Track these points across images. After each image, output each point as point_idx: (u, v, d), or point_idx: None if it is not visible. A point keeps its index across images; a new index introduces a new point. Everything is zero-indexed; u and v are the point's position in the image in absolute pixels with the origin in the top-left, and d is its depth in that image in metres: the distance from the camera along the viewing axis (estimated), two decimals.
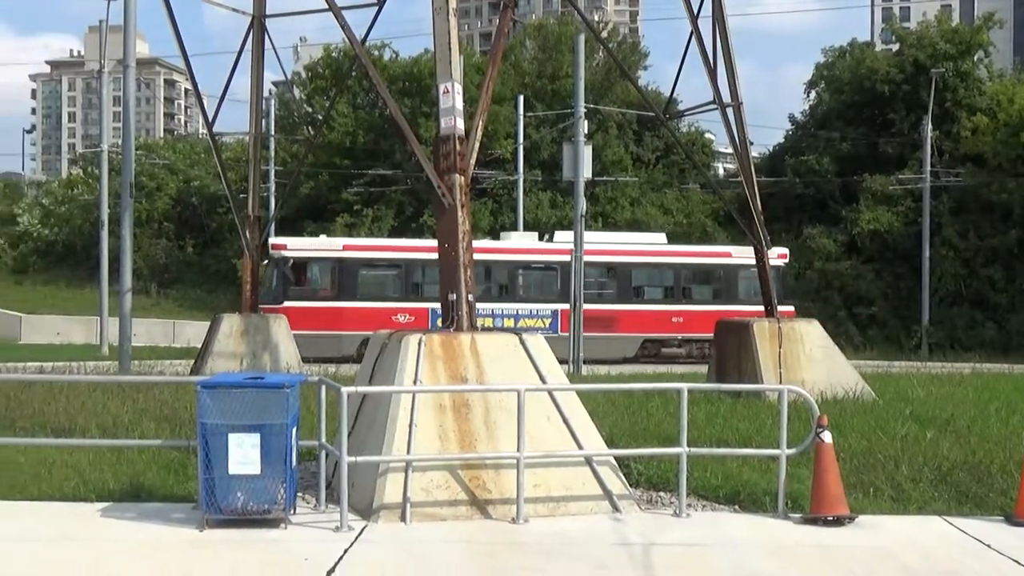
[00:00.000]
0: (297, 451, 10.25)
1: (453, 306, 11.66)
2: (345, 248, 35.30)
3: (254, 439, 9.62)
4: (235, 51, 23.97)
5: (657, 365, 32.79)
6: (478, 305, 34.70)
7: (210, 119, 25.01)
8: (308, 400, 12.43)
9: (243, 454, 9.61)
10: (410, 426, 10.43)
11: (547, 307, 35.76)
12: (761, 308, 38.26)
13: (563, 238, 37.19)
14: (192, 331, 44.61)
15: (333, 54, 63.82)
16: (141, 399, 16.64)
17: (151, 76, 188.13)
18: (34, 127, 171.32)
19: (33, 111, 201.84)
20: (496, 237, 43.02)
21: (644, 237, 40.41)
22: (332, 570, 8.50)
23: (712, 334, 29.56)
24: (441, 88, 11.97)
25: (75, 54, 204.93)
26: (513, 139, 53.00)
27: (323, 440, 10.53)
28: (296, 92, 60.94)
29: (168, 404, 16.09)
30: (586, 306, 33.92)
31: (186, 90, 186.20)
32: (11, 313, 48.60)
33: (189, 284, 61.18)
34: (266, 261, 34.09)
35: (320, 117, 54.43)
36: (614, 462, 11.08)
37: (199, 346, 24.88)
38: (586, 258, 35.52)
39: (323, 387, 10.61)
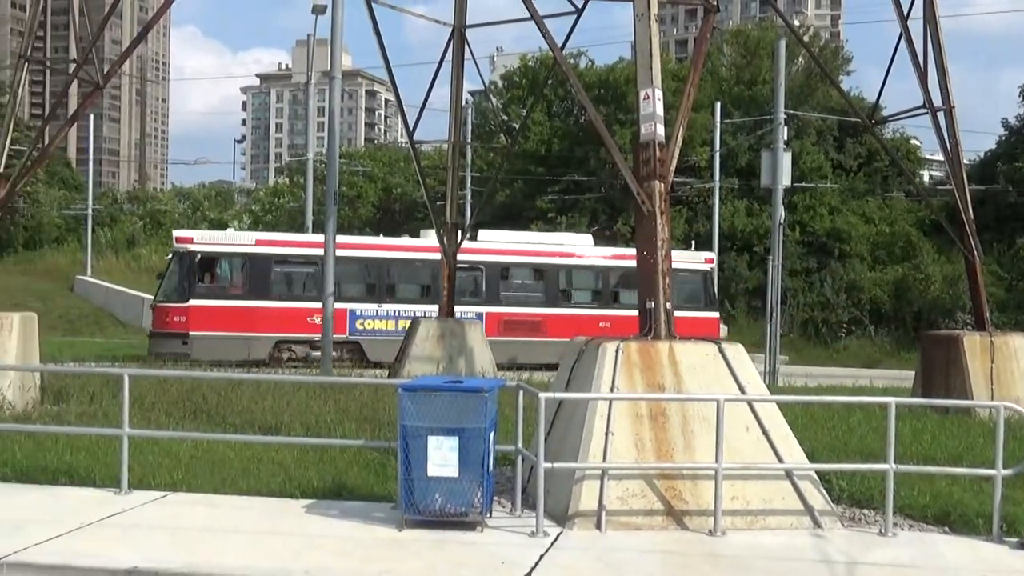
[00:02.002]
0: (494, 455, 10.33)
1: (651, 314, 11.53)
2: (258, 243, 32.99)
3: (452, 442, 9.74)
4: (432, 62, 24.75)
5: None
6: (394, 307, 33.18)
7: (411, 128, 25.61)
8: (503, 405, 12.50)
9: (442, 456, 9.74)
10: (606, 434, 10.37)
11: (472, 309, 33.39)
12: (694, 314, 35.39)
13: (488, 237, 36.04)
14: None
15: (529, 63, 64.49)
16: (342, 400, 17.11)
17: (353, 87, 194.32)
18: (244, 137, 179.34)
19: (243, 122, 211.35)
20: (686, 245, 42.07)
21: (572, 238, 38.52)
22: (528, 575, 8.52)
23: None
24: (642, 94, 11.88)
25: (283, 67, 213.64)
26: (709, 146, 52.40)
27: (520, 445, 10.57)
28: (493, 101, 61.77)
29: (368, 405, 16.49)
30: (513, 309, 33.52)
31: (386, 100, 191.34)
32: None
33: None
34: (169, 255, 33.48)
35: (516, 125, 55.03)
36: (815, 476, 10.74)
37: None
38: (513, 259, 34.87)
39: (520, 392, 10.66)
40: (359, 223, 66.08)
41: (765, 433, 10.63)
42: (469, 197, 52.73)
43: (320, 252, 32.00)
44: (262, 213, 70.66)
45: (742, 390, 10.84)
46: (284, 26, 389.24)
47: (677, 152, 12.32)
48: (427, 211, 29.40)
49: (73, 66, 18.33)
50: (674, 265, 36.04)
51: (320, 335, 30.13)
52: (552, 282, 35.14)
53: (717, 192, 49.55)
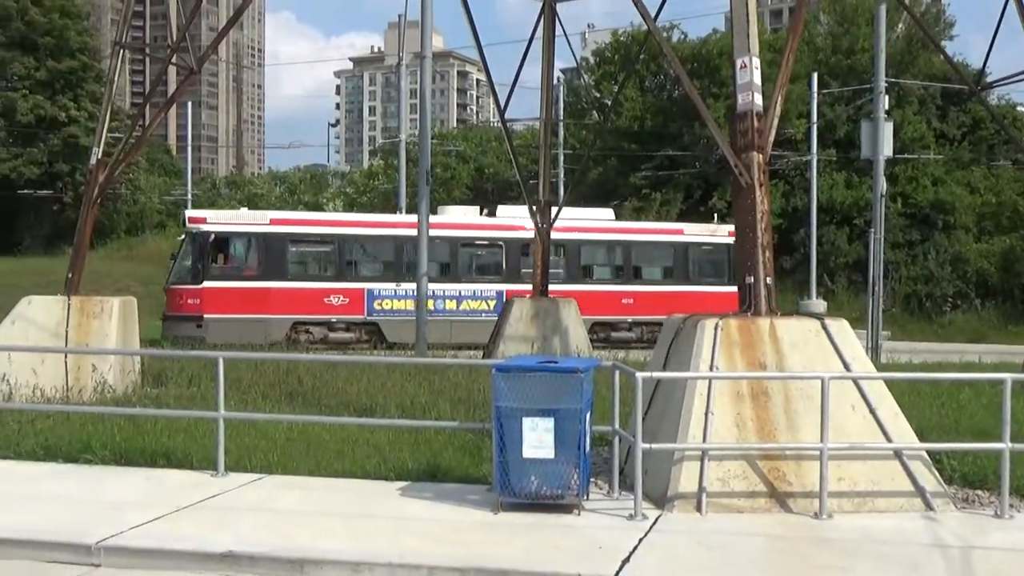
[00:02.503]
0: (591, 436, 10.10)
1: (750, 289, 11.16)
2: (272, 222, 31.77)
3: (548, 423, 9.53)
4: (523, 40, 24.28)
5: (615, 350, 30.37)
6: (412, 286, 32.08)
7: (502, 107, 25.40)
8: (600, 385, 12.23)
9: (537, 438, 9.54)
10: (706, 414, 10.06)
11: (492, 288, 32.88)
12: (715, 289, 34.55)
13: (507, 213, 35.01)
14: None
15: (621, 38, 63.78)
16: (436, 381, 17.02)
17: (445, 68, 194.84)
18: (338, 121, 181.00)
19: (337, 106, 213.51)
20: (783, 219, 40.69)
21: (589, 213, 37.08)
22: (627, 559, 8.28)
23: (664, 316, 28.70)
24: (738, 63, 11.49)
25: (376, 50, 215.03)
26: (806, 118, 51.25)
27: (616, 426, 10.33)
28: (584, 78, 61.25)
29: (462, 386, 16.37)
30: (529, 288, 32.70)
31: (478, 81, 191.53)
32: None
33: None
34: (182, 236, 32.57)
35: (608, 102, 54.57)
36: (926, 456, 10.31)
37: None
38: (532, 235, 33.56)
39: (616, 372, 10.41)
40: (452, 204, 66.06)
41: (872, 412, 10.22)
42: (562, 175, 52.38)
43: (335, 231, 32.19)
44: (356, 195, 71.21)
45: (847, 367, 10.44)
46: (376, 10, 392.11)
47: (775, 122, 11.90)
48: (520, 190, 28.89)
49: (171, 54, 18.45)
50: (697, 239, 33.94)
51: (337, 316, 30.68)
52: (573, 258, 34.19)
53: (815, 165, 48.44)
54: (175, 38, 18.12)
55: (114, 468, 11.53)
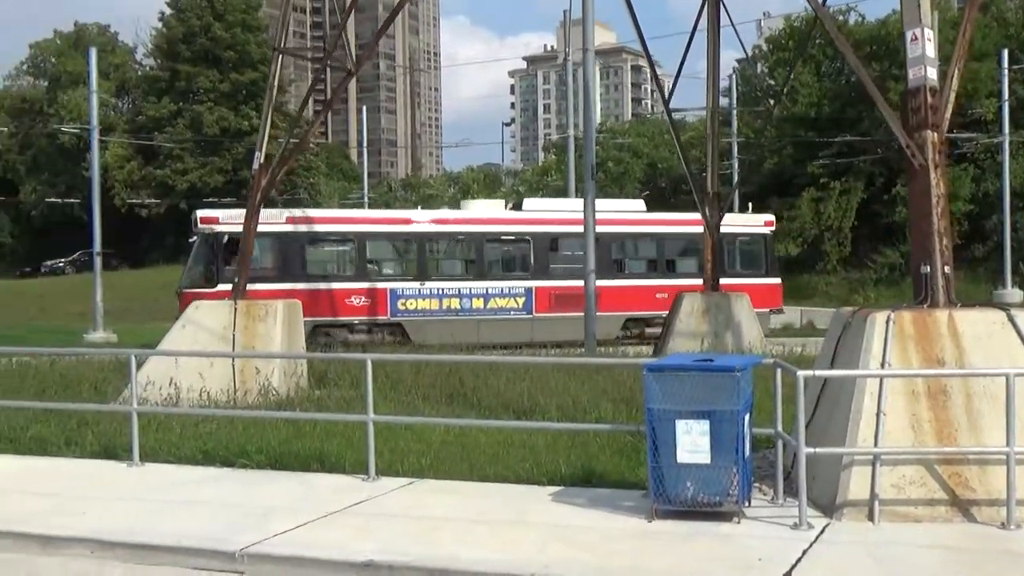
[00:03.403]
0: (751, 439, 9.48)
1: (926, 279, 10.32)
2: (289, 220, 29.80)
3: (703, 426, 8.96)
4: (700, 31, 23.60)
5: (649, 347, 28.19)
6: (437, 285, 29.71)
7: (666, 97, 24.76)
8: (768, 382, 11.55)
9: (691, 441, 8.98)
10: (877, 415, 9.30)
11: (520, 284, 30.91)
12: (752, 281, 31.70)
13: (533, 206, 33.10)
14: None
15: (795, 23, 61.95)
16: (601, 379, 16.56)
17: (618, 64, 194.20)
18: (513, 120, 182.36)
19: (512, 105, 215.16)
20: (974, 205, 38.62)
21: (621, 204, 34.99)
22: (788, 573, 7.66)
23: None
24: (908, 35, 10.65)
25: (549, 49, 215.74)
26: (996, 97, 48.64)
27: (779, 428, 9.68)
28: (758, 66, 59.73)
29: (626, 385, 15.84)
30: (561, 283, 30.29)
31: (650, 75, 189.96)
32: None
33: None
34: (193, 238, 30.78)
35: (782, 89, 52.99)
36: None
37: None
38: (561, 228, 31.21)
39: (779, 370, 9.75)
40: (624, 198, 65.47)
41: None
42: (736, 166, 51.11)
43: (355, 228, 30.26)
44: (529, 193, 71.34)
45: None
46: (549, 10, 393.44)
47: (953, 96, 10.99)
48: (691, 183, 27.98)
49: (347, 61, 18.51)
50: (731, 229, 31.97)
51: (359, 317, 29.16)
52: (604, 252, 31.81)
53: (1007, 147, 45.91)
54: (330, 42, 18.18)
55: (268, 472, 11.50)
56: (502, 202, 34.87)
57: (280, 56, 18.30)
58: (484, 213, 32.05)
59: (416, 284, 30.10)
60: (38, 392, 16.21)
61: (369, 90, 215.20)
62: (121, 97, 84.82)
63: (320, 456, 11.66)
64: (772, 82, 60.82)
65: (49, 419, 13.84)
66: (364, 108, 72.36)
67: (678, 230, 33.44)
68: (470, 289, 29.40)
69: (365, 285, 29.48)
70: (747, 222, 34.53)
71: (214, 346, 16.75)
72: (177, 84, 72.14)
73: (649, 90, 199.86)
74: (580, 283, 29.71)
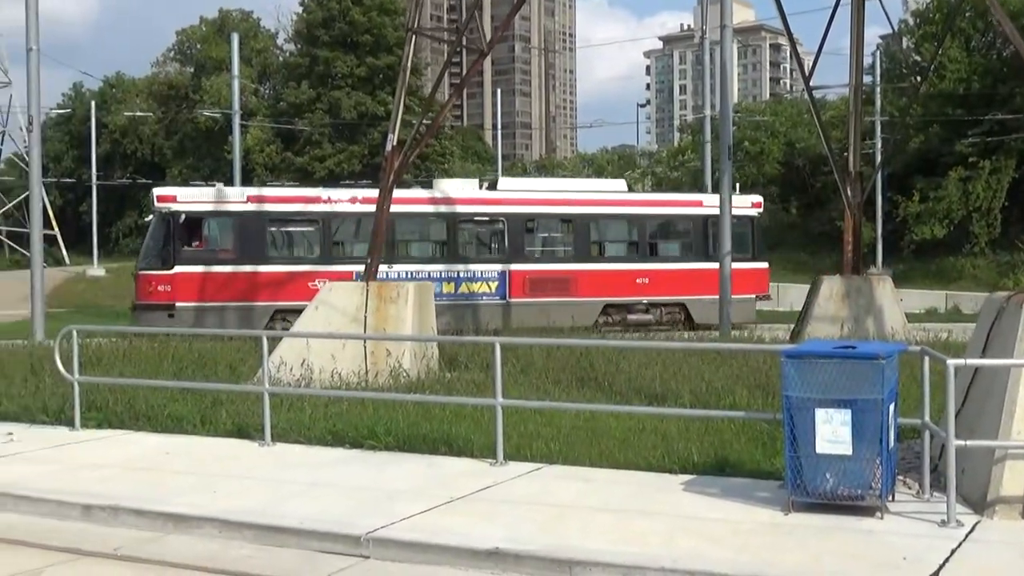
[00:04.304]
0: (896, 430, 9.00)
1: None
2: (250, 199, 28.17)
3: (844, 415, 8.53)
4: (841, 6, 22.87)
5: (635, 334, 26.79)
6: (404, 268, 27.75)
7: (807, 75, 24.03)
8: (913, 369, 10.98)
9: (832, 431, 8.56)
10: None
11: (493, 268, 29.32)
12: (739, 266, 29.48)
13: (508, 186, 31.27)
14: (795, 294, 43.94)
15: None
16: (736, 365, 16.11)
17: (756, 42, 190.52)
18: (648, 101, 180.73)
19: (647, 86, 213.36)
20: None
21: (602, 184, 33.10)
22: (935, 575, 7.21)
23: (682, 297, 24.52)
24: None
25: (685, 28, 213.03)
26: None
27: (927, 418, 9.16)
28: (904, 41, 57.71)
29: (762, 371, 15.37)
30: (537, 266, 28.96)
31: (790, 53, 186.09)
32: None
33: (792, 247, 60.58)
34: (149, 216, 29.49)
35: (928, 65, 51.15)
36: None
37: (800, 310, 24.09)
38: (538, 209, 29.68)
39: (926, 358, 9.22)
40: (763, 180, 64.32)
41: None
42: (879, 145, 49.56)
43: (319, 208, 28.59)
44: (664, 174, 70.57)
45: None
46: None
47: None
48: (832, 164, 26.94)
49: (479, 41, 18.38)
50: (717, 210, 30.38)
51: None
52: (582, 234, 30.83)
53: None
54: (463, 21, 18.04)
55: (396, 455, 11.44)
56: (476, 181, 33.01)
57: (414, 37, 18.23)
58: (456, 193, 30.32)
59: (383, 267, 28.49)
60: (176, 372, 16.55)
61: (504, 73, 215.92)
62: (263, 82, 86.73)
63: (448, 439, 11.55)
64: (918, 58, 58.76)
65: (186, 398, 14.07)
66: (499, 91, 72.57)
67: (657, 211, 32.25)
68: (440, 273, 28.12)
69: (329, 268, 27.65)
70: (735, 203, 33.27)
71: (346, 327, 16.83)
72: (316, 69, 73.29)
73: (788, 69, 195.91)
74: (558, 267, 29.88)
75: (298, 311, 27.28)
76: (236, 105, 44.46)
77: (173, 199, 27.81)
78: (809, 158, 62.96)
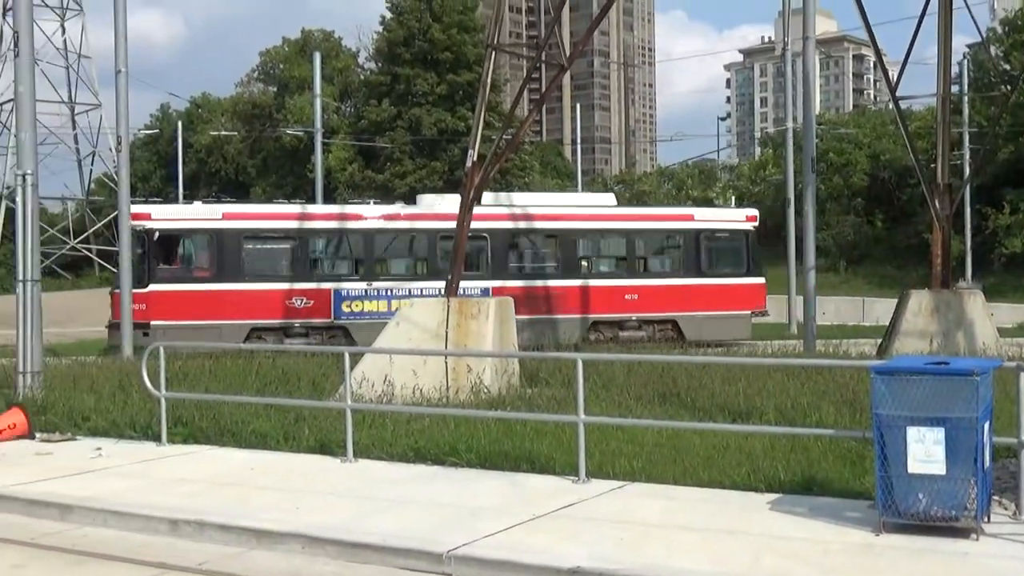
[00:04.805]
0: (991, 449, 8.73)
1: None
2: (225, 217, 27.60)
3: (937, 434, 8.29)
4: (926, 16, 22.44)
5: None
6: (386, 285, 27.45)
7: (892, 84, 23.62)
8: (1007, 386, 10.65)
9: (924, 451, 8.33)
10: None
11: (476, 284, 27.89)
12: (732, 281, 29.77)
13: (492, 201, 29.52)
14: (881, 309, 43.09)
15: None
16: (822, 381, 15.83)
17: (839, 53, 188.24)
18: (728, 114, 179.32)
19: (728, 99, 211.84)
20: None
21: (589, 198, 31.98)
22: None
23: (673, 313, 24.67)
24: None
25: (766, 40, 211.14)
26: None
27: (1022, 437, 8.88)
28: (992, 50, 56.51)
29: (849, 387, 15.08)
30: (520, 283, 27.94)
31: (874, 63, 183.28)
32: None
33: (878, 260, 59.56)
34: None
35: (1017, 74, 49.95)
36: None
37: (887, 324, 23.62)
38: (521, 225, 28.60)
39: (1021, 374, 8.94)
40: (849, 192, 63.36)
41: None
42: (967, 156, 48.54)
43: (296, 225, 28.13)
44: (746, 188, 69.90)
45: None
46: (767, 0, 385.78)
47: None
48: (918, 175, 26.33)
49: (559, 57, 18.37)
50: (710, 225, 29.70)
51: (301, 320, 27.39)
52: (568, 249, 29.97)
53: None
54: (543, 37, 18.04)
55: (478, 471, 11.40)
56: (458, 196, 32.07)
57: (493, 54, 18.28)
58: (438, 208, 29.27)
59: (363, 284, 28.41)
60: (260, 388, 16.71)
61: (583, 88, 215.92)
62: (344, 101, 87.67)
63: (530, 456, 11.48)
64: (1007, 66, 57.50)
65: (270, 414, 14.19)
66: (578, 105, 72.48)
67: (646, 225, 31.42)
68: (421, 290, 27.39)
69: (306, 285, 27.83)
70: (727, 217, 32.69)
71: (427, 343, 16.88)
72: (397, 87, 73.92)
73: (871, 79, 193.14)
74: (541, 283, 29.12)
75: (274, 329, 27.73)
76: (318, 123, 44.96)
77: (148, 217, 27.60)
78: (894, 170, 61.91)
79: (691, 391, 15.49)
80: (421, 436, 12.63)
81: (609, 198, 33.93)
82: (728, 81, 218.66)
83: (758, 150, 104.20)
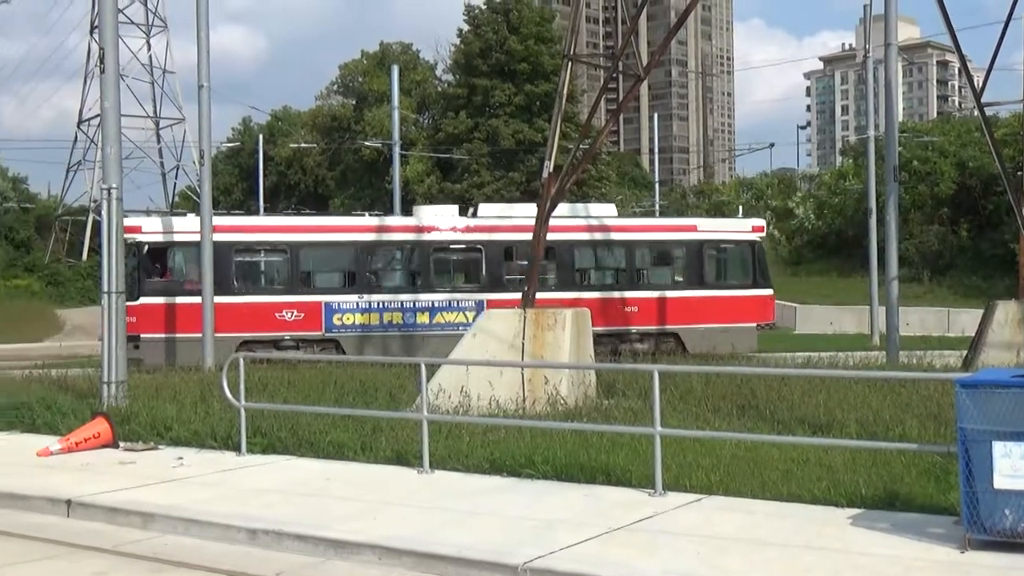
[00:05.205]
0: None
1: None
2: (216, 229, 26.91)
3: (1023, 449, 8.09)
4: (1014, 20, 22.00)
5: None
6: (378, 298, 27.27)
7: (977, 91, 23.17)
8: None
9: (1011, 466, 8.13)
10: None
11: (470, 297, 27.97)
12: (737, 293, 29.07)
13: (488, 212, 29.38)
14: (966, 319, 42.26)
15: None
16: (904, 393, 15.55)
17: (922, 60, 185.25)
18: (808, 123, 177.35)
19: (807, 108, 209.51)
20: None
21: (589, 210, 30.53)
22: None
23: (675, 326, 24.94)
24: None
25: (847, 47, 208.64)
26: None
27: None
28: None
29: (933, 400, 14.79)
30: (516, 296, 25.88)
31: (959, 69, 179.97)
32: (787, 304, 50.02)
33: (963, 270, 58.34)
34: None
35: None
36: None
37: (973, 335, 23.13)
38: (517, 236, 27.25)
39: None
40: (933, 201, 62.21)
41: None
42: None
43: (287, 237, 27.95)
44: (827, 197, 68.97)
45: None
46: (849, 6, 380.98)
47: None
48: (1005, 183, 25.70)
49: (635, 66, 18.33)
50: (713, 236, 28.85)
51: (291, 333, 27.04)
52: (565, 261, 29.25)
53: None
54: (619, 47, 17.98)
55: (554, 483, 11.36)
56: (455, 208, 31.53)
57: (570, 64, 18.26)
58: (434, 221, 29.32)
59: (354, 297, 28.22)
60: (337, 398, 16.86)
61: (661, 97, 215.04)
62: (422, 113, 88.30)
63: (606, 468, 11.42)
64: None
65: (347, 424, 14.29)
66: (655, 115, 72.16)
67: (647, 237, 30.77)
68: (414, 302, 27.57)
69: (297, 298, 27.73)
70: (732, 228, 31.64)
71: (503, 354, 16.90)
72: (474, 99, 74.25)
73: (956, 86, 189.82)
74: (540, 295, 27.93)
75: (265, 342, 27.40)
76: (396, 135, 45.37)
77: (138, 229, 27.36)
78: (980, 178, 60.64)
79: (770, 403, 15.32)
80: (497, 447, 12.62)
81: (610, 209, 33.18)
82: (808, 89, 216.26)
83: (839, 159, 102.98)
